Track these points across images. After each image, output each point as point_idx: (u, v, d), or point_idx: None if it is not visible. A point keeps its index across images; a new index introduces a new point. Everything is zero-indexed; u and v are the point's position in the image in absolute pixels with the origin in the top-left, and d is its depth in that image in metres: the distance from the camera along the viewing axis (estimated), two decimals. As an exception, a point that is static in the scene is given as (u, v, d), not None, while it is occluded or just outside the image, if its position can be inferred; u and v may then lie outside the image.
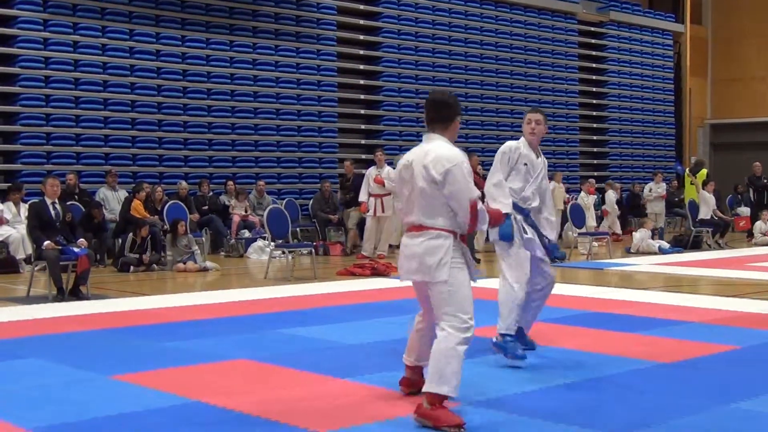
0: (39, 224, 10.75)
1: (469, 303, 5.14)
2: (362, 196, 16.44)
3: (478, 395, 5.61)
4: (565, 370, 6.32)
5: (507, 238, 6.62)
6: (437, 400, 4.99)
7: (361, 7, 21.20)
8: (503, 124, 23.15)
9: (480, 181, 16.61)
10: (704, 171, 19.47)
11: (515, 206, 6.77)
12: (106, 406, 5.39)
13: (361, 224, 17.00)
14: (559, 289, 7.85)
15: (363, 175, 16.37)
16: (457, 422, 4.91)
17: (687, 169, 20.71)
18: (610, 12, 26.86)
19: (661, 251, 17.16)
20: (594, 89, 26.42)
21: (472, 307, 5.16)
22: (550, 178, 19.47)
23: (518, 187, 6.85)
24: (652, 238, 17.69)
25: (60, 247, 10.62)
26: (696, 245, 18.32)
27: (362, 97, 21.16)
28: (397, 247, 16.81)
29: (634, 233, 18.19)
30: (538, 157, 6.96)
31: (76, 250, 10.61)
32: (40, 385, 6.02)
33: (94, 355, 7.06)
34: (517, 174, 6.87)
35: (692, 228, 18.63)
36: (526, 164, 6.86)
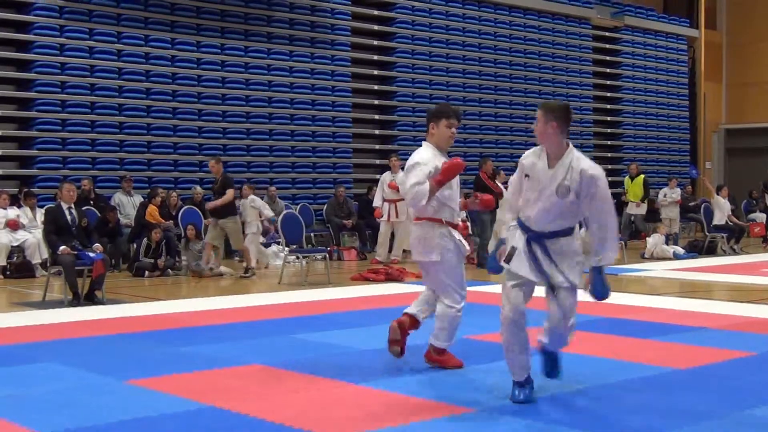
0: (55, 229, 10.81)
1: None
2: (377, 201, 16.48)
3: (494, 401, 5.61)
4: (580, 376, 6.31)
5: None
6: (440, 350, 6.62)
7: (376, 12, 21.22)
8: (517, 130, 23.12)
9: (494, 185, 16.69)
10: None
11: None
12: (121, 411, 5.41)
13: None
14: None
15: (230, 176, 14.99)
16: (458, 364, 6.58)
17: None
18: (625, 17, 26.80)
19: (676, 257, 17.11)
20: (608, 94, 26.36)
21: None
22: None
23: None
24: (667, 243, 17.64)
25: (75, 252, 10.67)
26: (711, 251, 18.27)
27: (376, 102, 21.18)
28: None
29: (647, 238, 18.14)
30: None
31: (91, 255, 10.66)
32: (55, 389, 6.05)
33: (109, 359, 7.09)
34: None
35: (707, 233, 18.58)
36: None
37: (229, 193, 13.81)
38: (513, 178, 5.81)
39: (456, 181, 6.65)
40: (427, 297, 6.84)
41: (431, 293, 6.80)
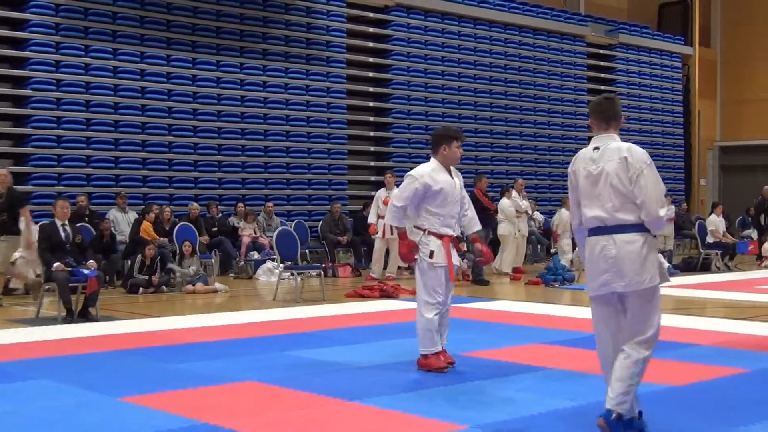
0: (49, 246, 10.80)
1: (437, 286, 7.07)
2: (371, 218, 16.49)
3: (486, 418, 5.61)
4: (573, 393, 6.31)
5: None
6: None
7: (371, 29, 21.29)
8: (512, 147, 23.16)
9: (488, 202, 16.72)
10: None
11: None
12: (114, 428, 5.41)
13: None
14: (567, 311, 7.85)
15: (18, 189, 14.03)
16: (440, 365, 7.03)
17: None
18: (619, 35, 26.91)
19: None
20: (603, 112, 26.40)
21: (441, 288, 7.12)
22: (560, 204, 19.55)
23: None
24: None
25: (70, 269, 10.66)
26: (705, 267, 18.29)
27: (371, 119, 21.23)
28: (407, 268, 16.96)
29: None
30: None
31: (85, 271, 10.64)
32: (49, 406, 6.04)
33: (102, 376, 7.07)
34: None
35: (701, 250, 18.61)
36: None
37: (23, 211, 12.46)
38: None
39: (453, 194, 7.20)
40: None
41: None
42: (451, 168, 7.32)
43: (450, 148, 7.24)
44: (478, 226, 7.63)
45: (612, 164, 5.05)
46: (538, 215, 21.35)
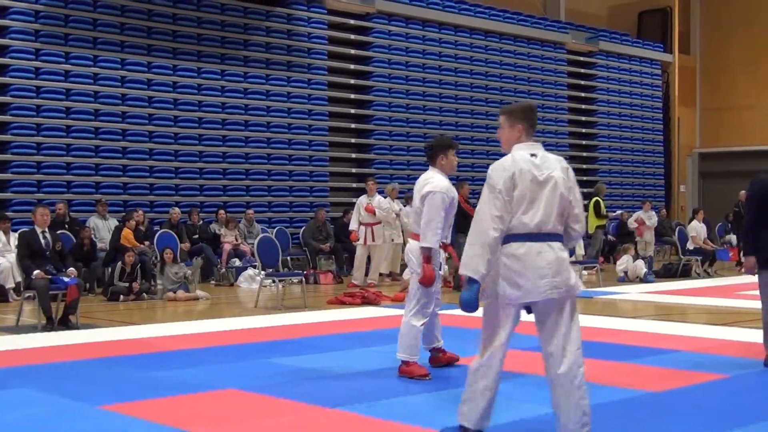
0: (29, 253, 10.75)
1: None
2: (353, 225, 16.49)
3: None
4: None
5: None
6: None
7: (352, 37, 21.31)
8: (493, 154, 23.21)
9: (470, 209, 16.75)
10: (594, 199, 19.11)
11: None
12: (94, 437, 5.38)
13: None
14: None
15: None
16: (422, 373, 7.09)
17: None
18: (599, 42, 27.03)
19: (645, 279, 17.13)
20: (583, 119, 26.56)
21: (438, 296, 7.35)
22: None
23: None
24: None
25: (49, 277, 10.60)
26: (685, 273, 18.37)
27: (353, 125, 21.23)
28: (388, 275, 16.97)
29: (618, 261, 18.25)
30: None
31: (65, 279, 10.59)
32: (28, 415, 6.00)
33: (82, 385, 7.04)
34: None
35: (682, 256, 18.70)
36: None
37: None
38: None
39: (448, 206, 7.26)
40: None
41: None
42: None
43: (447, 157, 7.38)
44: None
45: (558, 173, 4.95)
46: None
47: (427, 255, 6.98)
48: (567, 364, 4.87)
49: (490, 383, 5.00)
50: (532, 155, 4.98)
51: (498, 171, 4.92)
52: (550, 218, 4.89)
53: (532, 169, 4.90)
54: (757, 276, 7.60)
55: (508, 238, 4.88)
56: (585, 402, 4.89)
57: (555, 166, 4.97)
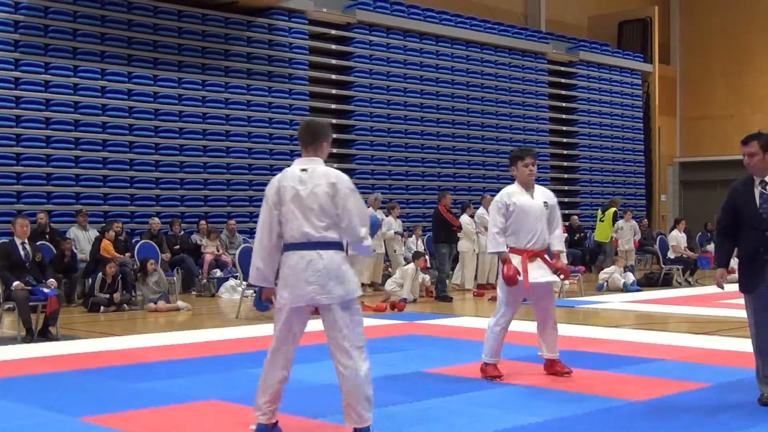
0: (8, 265, 10.68)
1: None
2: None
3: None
4: (537, 409, 6.32)
5: None
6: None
7: (333, 47, 21.33)
8: (474, 163, 23.25)
9: (452, 218, 16.77)
10: (612, 210, 20.63)
11: None
12: (75, 449, 5.33)
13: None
14: (531, 327, 7.88)
15: None
16: (494, 375, 7.38)
17: (600, 208, 21.39)
18: (580, 52, 27.17)
19: (626, 289, 17.16)
20: (564, 128, 26.65)
21: None
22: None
23: None
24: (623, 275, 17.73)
25: (29, 288, 10.54)
26: (666, 283, 18.43)
27: (334, 135, 21.15)
28: (370, 285, 16.93)
29: (603, 270, 18.28)
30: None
31: (45, 290, 10.52)
32: (8, 427, 5.95)
33: (63, 396, 6.99)
34: None
35: (663, 265, 18.77)
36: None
37: None
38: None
39: (534, 212, 7.52)
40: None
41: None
42: (536, 187, 7.63)
43: (517, 168, 7.58)
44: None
45: (321, 188, 5.36)
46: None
47: (503, 258, 7.37)
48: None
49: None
50: (303, 170, 5.48)
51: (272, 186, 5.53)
52: (316, 228, 5.40)
53: (296, 184, 5.42)
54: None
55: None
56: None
57: (320, 181, 5.43)
